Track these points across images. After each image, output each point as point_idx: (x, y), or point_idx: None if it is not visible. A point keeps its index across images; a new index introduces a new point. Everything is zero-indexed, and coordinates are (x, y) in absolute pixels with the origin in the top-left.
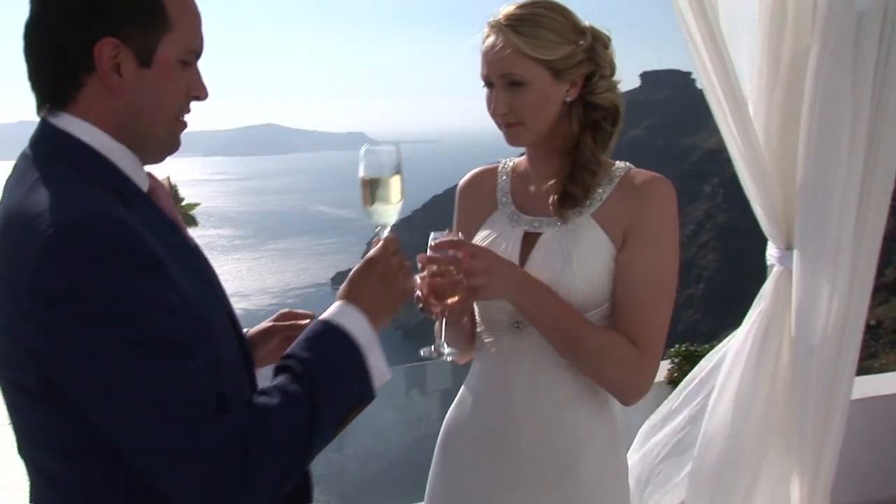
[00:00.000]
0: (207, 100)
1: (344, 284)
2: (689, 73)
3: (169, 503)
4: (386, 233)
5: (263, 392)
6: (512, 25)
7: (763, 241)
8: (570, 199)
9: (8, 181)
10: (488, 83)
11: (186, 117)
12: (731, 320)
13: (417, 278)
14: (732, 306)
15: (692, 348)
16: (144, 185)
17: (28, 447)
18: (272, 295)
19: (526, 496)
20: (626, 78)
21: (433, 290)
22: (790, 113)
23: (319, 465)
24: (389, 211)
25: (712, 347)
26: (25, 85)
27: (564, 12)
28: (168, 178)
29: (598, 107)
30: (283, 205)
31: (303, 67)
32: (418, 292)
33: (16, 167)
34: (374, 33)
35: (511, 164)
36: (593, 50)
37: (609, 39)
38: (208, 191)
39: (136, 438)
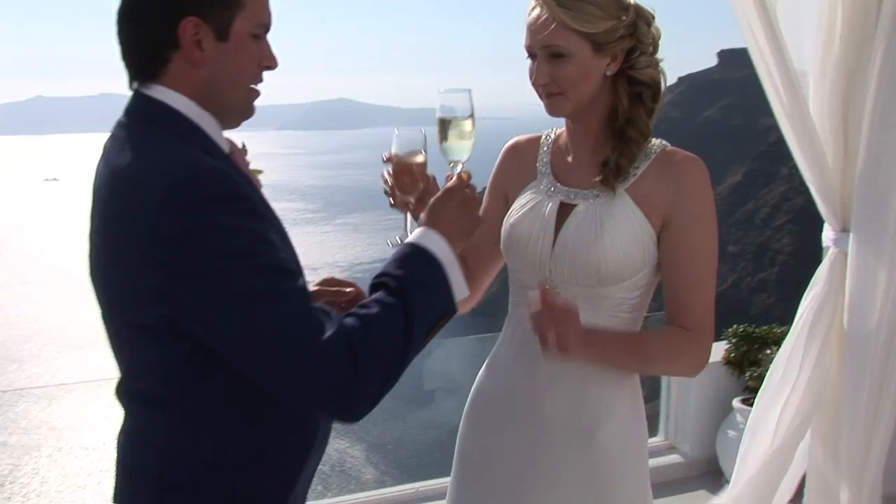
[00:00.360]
0: (282, 74)
1: (425, 213)
2: None
3: (272, 410)
4: (459, 168)
5: (363, 305)
6: (556, 2)
7: None
8: (616, 170)
9: (107, 146)
10: (531, 54)
11: (260, 87)
12: None
13: (385, 172)
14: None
15: (749, 329)
16: (226, 148)
17: (135, 380)
18: (340, 269)
19: (549, 462)
20: (703, 56)
21: (399, 186)
22: (848, 93)
23: (378, 436)
24: (462, 147)
25: (770, 329)
26: (104, 61)
27: None
28: (243, 143)
29: (639, 82)
30: (354, 179)
31: (376, 42)
32: (386, 187)
33: (114, 134)
34: (450, 8)
35: (553, 135)
36: (635, 26)
37: (653, 17)
38: (280, 164)
39: (263, 350)
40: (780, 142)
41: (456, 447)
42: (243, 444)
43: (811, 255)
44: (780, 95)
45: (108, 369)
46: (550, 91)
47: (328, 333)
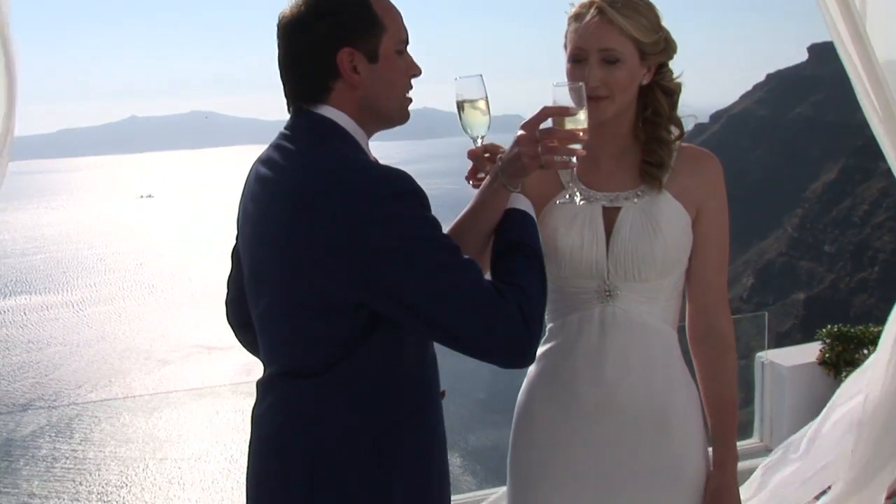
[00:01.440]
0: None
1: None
2: None
3: (412, 379)
4: (480, 141)
5: (514, 271)
6: (613, 4)
7: None
8: (662, 168)
9: (270, 156)
10: (579, 58)
11: (411, 94)
12: None
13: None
14: None
15: (844, 329)
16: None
17: (286, 362)
18: None
19: (622, 454)
20: (791, 52)
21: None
22: None
23: (476, 441)
24: (482, 122)
25: (866, 329)
26: (190, 80)
27: (651, 5)
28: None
29: (671, 91)
30: (436, 188)
31: (457, 50)
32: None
33: (278, 145)
34: (522, 15)
35: None
36: (667, 42)
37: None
38: None
39: (462, 312)
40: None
41: (510, 454)
42: (388, 410)
43: None
44: (867, 90)
45: (200, 380)
46: (600, 94)
47: (506, 300)
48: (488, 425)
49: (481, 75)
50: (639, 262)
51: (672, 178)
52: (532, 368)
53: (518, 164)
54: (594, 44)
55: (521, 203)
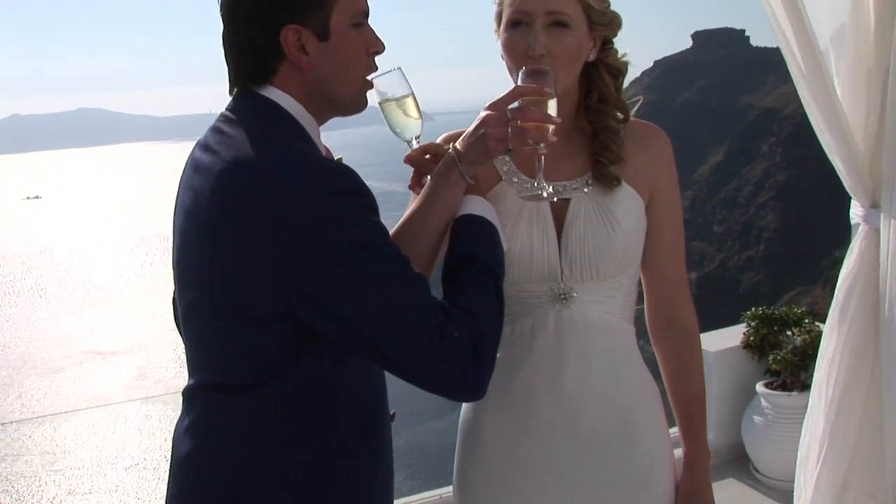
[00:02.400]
0: None
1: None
2: (743, 31)
3: (349, 404)
4: (416, 143)
5: (463, 290)
6: None
7: (827, 201)
8: (615, 166)
9: (210, 139)
10: (519, 22)
11: (372, 76)
12: (793, 281)
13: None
14: (794, 267)
15: (768, 311)
16: (323, 152)
17: (215, 373)
18: None
19: (588, 467)
20: (677, 39)
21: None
22: (874, 64)
23: (402, 440)
24: (415, 124)
25: (790, 310)
26: (78, 77)
27: None
28: (340, 158)
29: (617, 70)
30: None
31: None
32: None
33: (217, 128)
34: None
35: None
36: (615, 15)
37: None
38: None
39: (399, 339)
40: (759, 120)
41: (456, 472)
42: (323, 435)
43: (797, 232)
44: (799, 65)
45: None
46: (545, 66)
47: (455, 326)
48: (412, 424)
49: (400, 68)
50: (596, 260)
51: (622, 164)
52: None
53: (481, 147)
54: (541, 5)
55: (475, 206)
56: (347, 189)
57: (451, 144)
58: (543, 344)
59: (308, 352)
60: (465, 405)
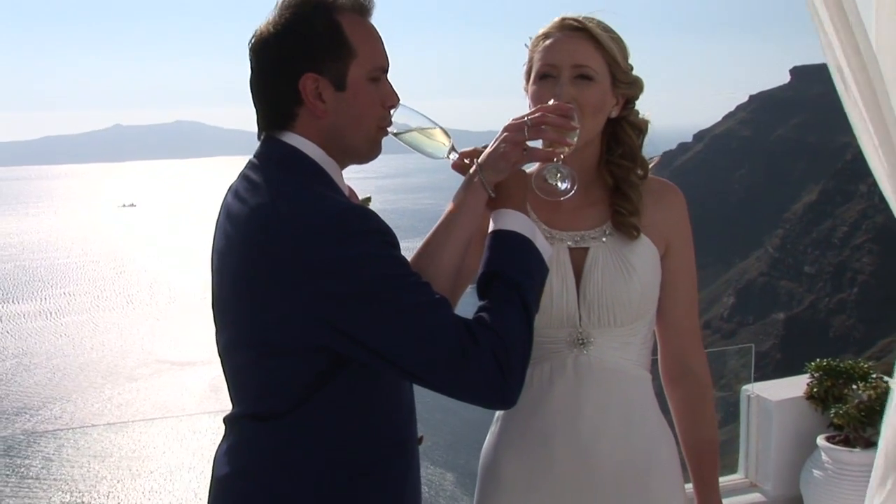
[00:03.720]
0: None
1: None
2: None
3: (376, 426)
4: (455, 154)
5: (488, 307)
6: (589, 26)
7: None
8: (634, 217)
9: (239, 186)
10: (547, 75)
11: (387, 125)
12: (889, 327)
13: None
14: (890, 312)
15: (833, 363)
16: (346, 192)
17: (252, 402)
18: None
19: None
20: (775, 74)
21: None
22: None
23: (465, 464)
24: (439, 140)
25: (856, 364)
26: (177, 90)
27: (622, 39)
28: (369, 196)
29: (638, 128)
30: (416, 203)
31: (441, 67)
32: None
33: (246, 175)
34: (496, 33)
35: None
36: (636, 79)
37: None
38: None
39: (428, 360)
40: (857, 159)
41: None
42: (353, 456)
43: (892, 275)
44: (858, 107)
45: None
46: None
47: (479, 345)
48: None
49: (399, 102)
50: (613, 307)
51: (641, 214)
52: (496, 424)
53: (498, 151)
54: (568, 59)
55: (507, 220)
56: (367, 229)
57: (474, 158)
58: (562, 388)
59: (338, 376)
60: (484, 447)
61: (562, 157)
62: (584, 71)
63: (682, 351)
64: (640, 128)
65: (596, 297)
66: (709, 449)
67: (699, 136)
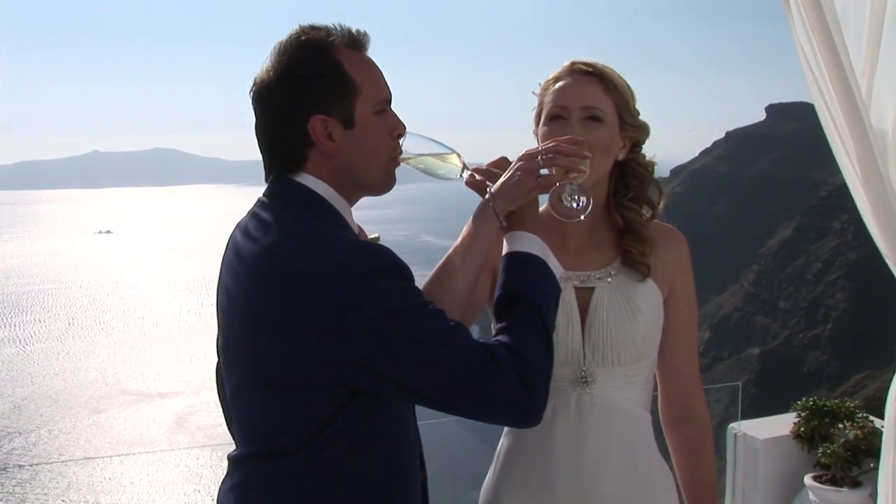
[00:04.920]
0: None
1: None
2: None
3: (385, 459)
4: (467, 173)
5: (510, 328)
6: (600, 70)
7: None
8: (646, 257)
9: (248, 224)
10: (558, 116)
11: (396, 155)
12: (862, 364)
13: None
14: (864, 349)
15: (819, 402)
16: (356, 231)
17: (269, 443)
18: None
19: None
20: (751, 111)
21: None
22: None
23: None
24: (449, 160)
25: (842, 403)
26: (157, 118)
27: (629, 86)
28: (378, 235)
29: (645, 169)
30: (396, 234)
31: (419, 101)
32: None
33: (255, 213)
34: (485, 64)
35: None
36: (644, 124)
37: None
38: None
39: (453, 387)
40: (831, 196)
41: None
42: (361, 490)
43: (866, 312)
44: (850, 158)
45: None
46: None
47: (502, 366)
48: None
49: (406, 129)
50: (618, 346)
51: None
52: (497, 460)
53: (513, 180)
54: (578, 101)
55: (521, 242)
56: (381, 267)
57: (487, 186)
58: (564, 425)
59: (347, 410)
60: (485, 484)
61: (574, 180)
62: (593, 112)
63: (683, 394)
64: (647, 169)
65: (601, 335)
66: (708, 491)
67: (676, 172)
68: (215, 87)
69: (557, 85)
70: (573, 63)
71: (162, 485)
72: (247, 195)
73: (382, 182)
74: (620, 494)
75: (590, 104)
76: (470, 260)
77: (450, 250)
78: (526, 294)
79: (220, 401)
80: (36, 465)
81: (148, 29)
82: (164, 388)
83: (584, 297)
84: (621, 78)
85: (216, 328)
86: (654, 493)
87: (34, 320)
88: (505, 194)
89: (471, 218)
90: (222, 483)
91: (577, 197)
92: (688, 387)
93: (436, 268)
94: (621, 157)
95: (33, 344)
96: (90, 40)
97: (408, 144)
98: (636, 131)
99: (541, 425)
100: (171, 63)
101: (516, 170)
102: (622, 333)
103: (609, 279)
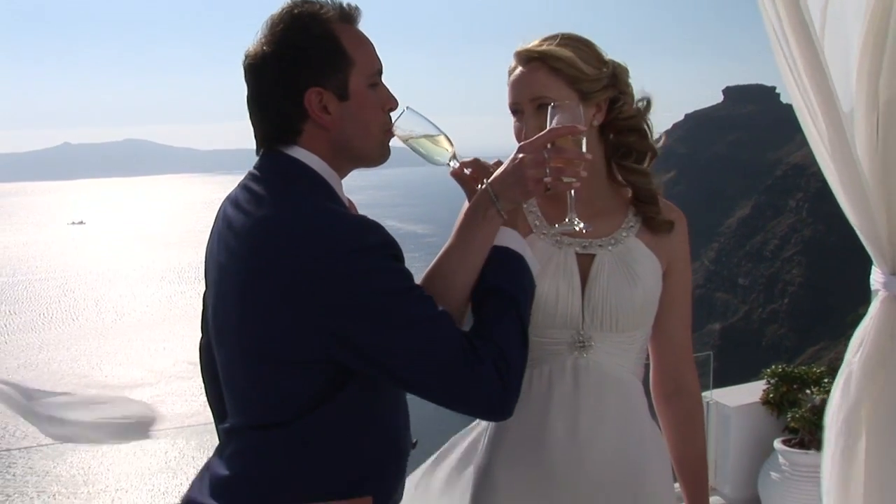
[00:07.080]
0: None
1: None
2: (773, 88)
3: (374, 435)
4: (455, 162)
5: (488, 321)
6: (540, 53)
7: (853, 257)
8: (657, 213)
9: (239, 197)
10: (517, 111)
11: (389, 128)
12: (817, 336)
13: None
14: (818, 322)
15: (788, 369)
16: (346, 204)
17: (260, 415)
18: None
19: None
20: (708, 93)
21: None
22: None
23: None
24: (441, 146)
25: (809, 369)
26: (128, 108)
27: (588, 43)
28: (349, 200)
29: (628, 129)
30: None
31: (397, 84)
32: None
33: (246, 186)
34: (464, 50)
35: None
36: (616, 76)
37: (628, 71)
38: None
39: (432, 373)
40: (787, 175)
41: None
42: (353, 464)
43: (821, 286)
44: (821, 135)
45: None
46: None
47: (481, 358)
48: None
49: (409, 106)
50: (617, 312)
51: (644, 230)
52: (490, 428)
53: (521, 188)
54: (525, 93)
55: (503, 238)
56: (374, 243)
57: (484, 181)
58: (560, 392)
59: (342, 386)
60: (479, 453)
61: (577, 187)
62: (543, 101)
63: (678, 365)
64: (631, 129)
65: (600, 300)
66: (699, 464)
67: None
68: (186, 78)
69: (510, 78)
70: (517, 52)
71: (134, 470)
72: (219, 184)
73: (378, 154)
74: (616, 460)
75: (537, 94)
76: (470, 258)
77: (444, 249)
78: (504, 289)
79: (203, 377)
80: (9, 450)
81: (117, 20)
82: (134, 378)
83: (585, 263)
84: (567, 44)
85: (195, 313)
86: (648, 460)
87: (8, 312)
88: (510, 198)
89: (464, 216)
90: (213, 454)
91: (577, 219)
92: (681, 361)
93: (430, 268)
94: (597, 122)
95: (6, 335)
96: (58, 33)
97: (405, 121)
98: (603, 91)
99: (537, 392)
100: (141, 54)
101: (524, 177)
102: (622, 299)
103: (609, 247)
